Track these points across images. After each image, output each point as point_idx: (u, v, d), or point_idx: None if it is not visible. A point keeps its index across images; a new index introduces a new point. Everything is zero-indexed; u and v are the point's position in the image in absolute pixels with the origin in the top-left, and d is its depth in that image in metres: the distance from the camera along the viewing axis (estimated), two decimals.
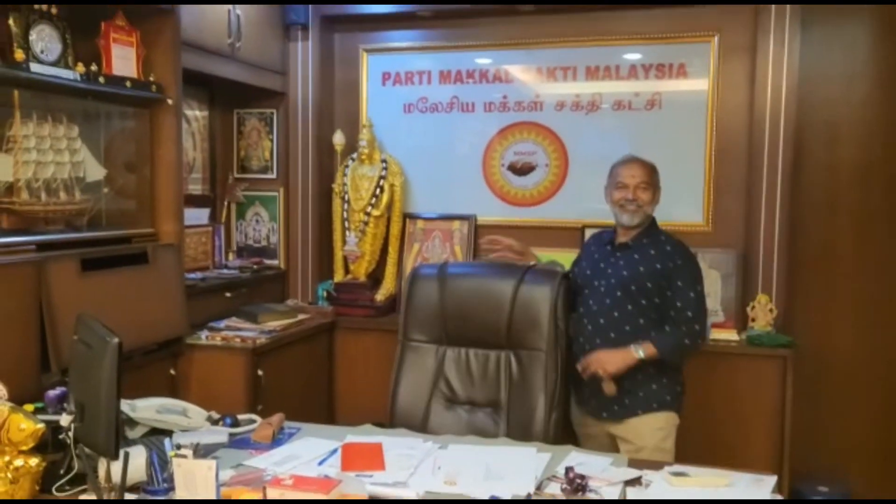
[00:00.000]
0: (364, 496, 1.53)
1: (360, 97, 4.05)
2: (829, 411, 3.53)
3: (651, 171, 2.77)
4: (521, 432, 2.46)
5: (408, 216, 3.96)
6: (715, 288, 3.51)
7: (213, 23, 3.32)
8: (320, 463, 1.98)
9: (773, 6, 3.36)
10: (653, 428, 2.65)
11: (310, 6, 3.84)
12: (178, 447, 1.71)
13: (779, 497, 1.85)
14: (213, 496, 1.57)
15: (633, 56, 3.69)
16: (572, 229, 3.77)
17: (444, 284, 2.70)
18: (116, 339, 1.74)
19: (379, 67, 4.03)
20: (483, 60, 3.88)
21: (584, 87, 3.75)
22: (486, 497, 1.77)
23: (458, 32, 3.89)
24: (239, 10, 3.46)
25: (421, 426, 2.51)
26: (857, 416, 3.51)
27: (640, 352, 2.56)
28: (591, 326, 2.70)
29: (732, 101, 3.55)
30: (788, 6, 3.34)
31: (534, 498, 1.59)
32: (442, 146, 3.95)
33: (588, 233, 3.73)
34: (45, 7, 2.48)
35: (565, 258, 3.70)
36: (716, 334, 3.33)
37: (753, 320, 3.37)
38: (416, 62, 3.97)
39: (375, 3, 3.79)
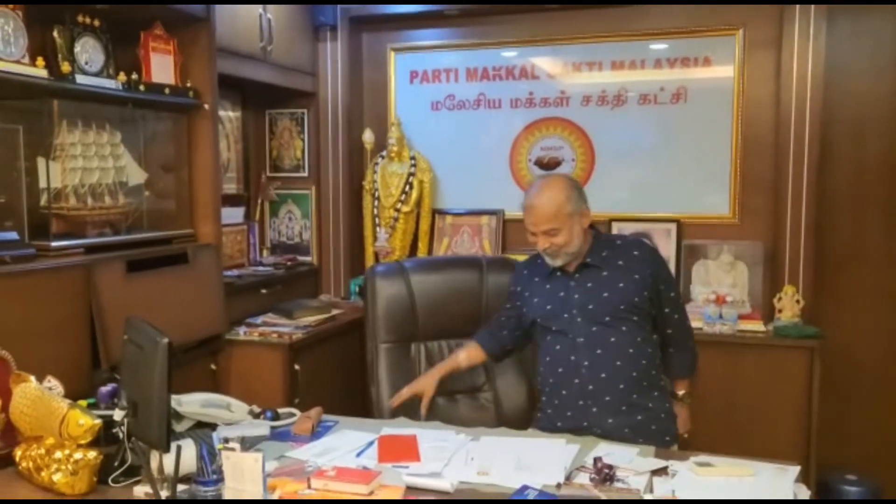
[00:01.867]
0: (402, 487, 1.61)
1: (388, 96, 4.14)
2: (857, 404, 3.56)
3: (557, 207, 2.31)
4: (512, 415, 2.62)
5: (437, 212, 4.04)
6: (742, 279, 3.56)
7: (245, 28, 3.42)
8: (358, 454, 2.07)
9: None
10: None
11: (338, 7, 3.93)
12: (226, 440, 1.81)
13: (803, 487, 1.91)
14: (259, 487, 1.67)
15: (658, 50, 3.73)
16: (599, 223, 3.79)
17: (408, 281, 2.79)
18: (166, 340, 1.83)
19: (406, 66, 4.11)
20: (509, 57, 3.94)
21: (610, 81, 3.80)
22: (517, 486, 1.84)
23: (483, 30, 3.96)
24: (270, 14, 3.55)
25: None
26: (887, 411, 3.54)
27: (686, 396, 2.56)
28: (581, 365, 2.37)
29: (758, 95, 3.58)
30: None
31: (562, 488, 1.66)
32: (469, 142, 4.03)
33: (615, 227, 3.80)
34: (87, 20, 2.59)
35: None
36: (742, 325, 3.37)
37: (780, 311, 3.40)
38: (442, 60, 4.04)
39: (402, 2, 3.87)
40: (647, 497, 1.77)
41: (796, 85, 3.42)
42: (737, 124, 3.62)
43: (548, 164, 3.93)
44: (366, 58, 4.16)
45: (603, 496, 1.55)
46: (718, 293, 3.39)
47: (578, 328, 2.37)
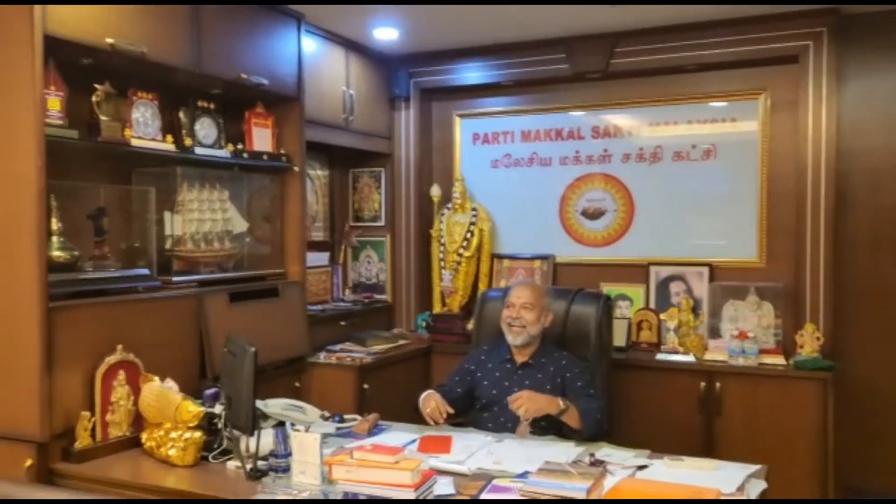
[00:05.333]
0: (419, 461, 2.12)
1: (453, 155, 4.74)
2: (878, 433, 3.81)
3: (537, 295, 2.98)
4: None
5: (495, 256, 4.57)
6: (768, 318, 3.89)
7: (330, 102, 4.10)
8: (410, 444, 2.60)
9: (811, 65, 3.77)
10: None
11: (411, 81, 4.59)
12: (293, 425, 2.38)
13: (762, 482, 2.29)
14: (317, 458, 2.21)
15: (689, 112, 4.17)
16: (638, 266, 4.26)
17: None
18: (253, 349, 2.43)
19: (470, 129, 4.71)
20: (558, 120, 4.47)
21: (647, 141, 4.27)
22: (520, 471, 2.31)
23: (536, 97, 4.52)
24: (352, 90, 4.23)
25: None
26: None
27: (564, 404, 2.67)
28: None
29: (780, 150, 3.97)
30: (825, 64, 3.74)
31: (546, 464, 2.13)
32: (524, 195, 4.56)
33: (653, 270, 4.23)
34: (205, 103, 3.30)
35: (633, 292, 4.22)
36: (765, 359, 3.71)
37: (801, 347, 3.72)
38: (501, 124, 4.62)
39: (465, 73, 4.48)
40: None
41: (812, 141, 3.79)
42: (762, 177, 4.01)
43: (592, 214, 4.40)
44: (434, 123, 4.79)
45: (573, 470, 2.01)
46: (741, 330, 3.74)
47: (510, 416, 2.78)
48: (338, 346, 4.01)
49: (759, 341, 3.75)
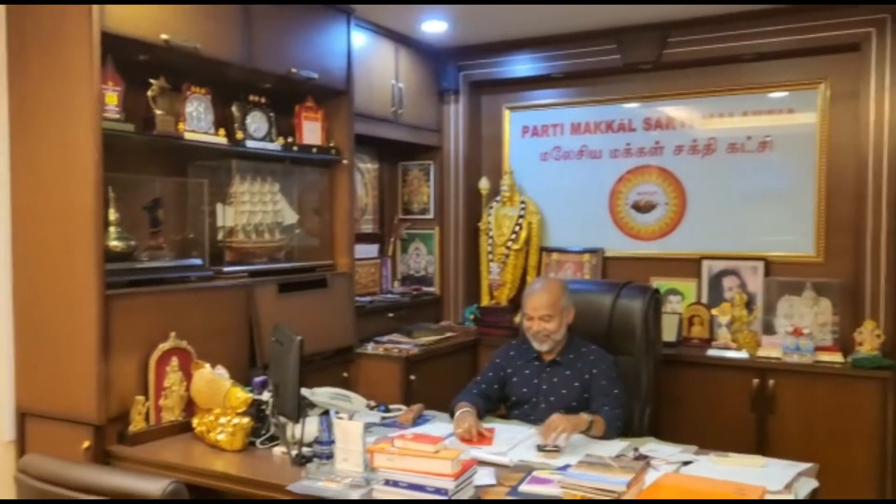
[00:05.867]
0: (460, 451, 2.13)
1: (502, 148, 4.73)
2: None
3: (554, 300, 2.88)
4: None
5: (544, 249, 4.55)
6: (825, 315, 3.78)
7: (379, 95, 4.13)
8: (446, 438, 2.61)
9: (873, 53, 3.64)
10: None
11: (460, 74, 4.59)
12: (338, 413, 2.42)
13: (812, 480, 2.23)
14: (360, 446, 2.24)
15: (745, 103, 4.07)
16: (690, 260, 4.19)
17: None
18: (299, 338, 2.47)
19: (519, 122, 4.69)
20: (608, 112, 4.42)
21: (701, 132, 4.19)
22: (561, 465, 2.30)
23: (585, 89, 4.47)
24: (401, 83, 4.26)
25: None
26: None
27: (589, 417, 2.60)
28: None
29: (839, 142, 3.85)
30: (888, 52, 3.60)
31: (587, 457, 2.11)
32: (573, 188, 4.52)
33: (705, 265, 4.15)
34: (256, 98, 3.36)
35: (684, 286, 4.16)
36: (821, 356, 3.60)
37: (860, 344, 3.60)
38: (550, 116, 4.59)
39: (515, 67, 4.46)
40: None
41: (874, 132, 3.66)
42: (820, 169, 3.89)
43: (644, 208, 4.34)
44: (484, 116, 4.78)
45: (614, 464, 2.00)
46: (797, 326, 3.65)
47: (540, 414, 2.81)
48: (385, 338, 4.05)
49: (816, 338, 3.65)
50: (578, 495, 1.89)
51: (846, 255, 3.83)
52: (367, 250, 4.48)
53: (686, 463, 2.37)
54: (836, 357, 3.61)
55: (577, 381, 2.89)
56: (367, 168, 4.61)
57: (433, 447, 2.10)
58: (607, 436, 2.64)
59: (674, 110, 4.26)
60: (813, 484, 2.21)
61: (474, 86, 4.67)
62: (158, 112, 2.87)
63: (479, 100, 4.77)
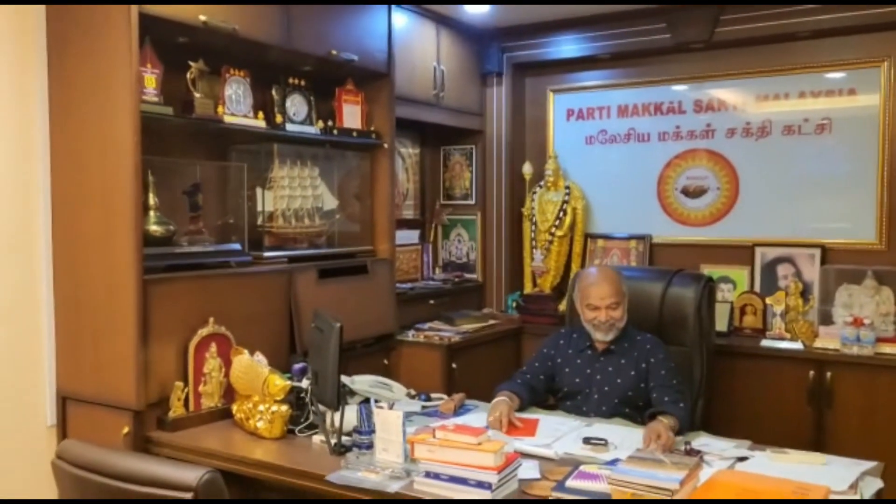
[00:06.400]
0: (504, 443, 2.05)
1: (546, 132, 4.61)
2: None
3: (618, 287, 2.81)
4: None
5: (589, 236, 4.43)
6: (887, 304, 3.60)
7: (421, 78, 4.05)
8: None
9: None
10: None
11: (504, 56, 4.48)
12: (378, 402, 2.36)
13: (877, 480, 2.10)
14: (400, 436, 2.18)
15: (802, 83, 3.89)
16: (742, 247, 4.03)
17: None
18: (339, 324, 2.41)
19: (564, 105, 4.56)
20: (656, 94, 4.27)
21: (755, 114, 4.02)
22: (610, 458, 2.21)
23: (632, 71, 4.33)
24: (443, 66, 4.17)
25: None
26: None
27: (670, 422, 2.46)
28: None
29: None
30: None
31: (639, 452, 2.01)
32: (620, 173, 4.38)
33: (758, 252, 3.99)
34: (296, 80, 3.31)
35: (736, 274, 4.01)
36: (882, 348, 3.43)
37: None
38: (596, 99, 4.46)
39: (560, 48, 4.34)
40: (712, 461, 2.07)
41: None
42: (882, 152, 3.70)
43: (693, 192, 4.19)
44: (527, 98, 4.66)
45: (666, 460, 1.90)
46: (856, 316, 3.48)
47: (593, 405, 2.77)
48: (426, 325, 3.99)
49: (877, 329, 3.48)
50: (628, 494, 1.80)
51: None
52: (408, 236, 4.41)
53: (741, 459, 2.27)
54: None
55: (633, 370, 2.78)
56: (409, 153, 4.54)
57: (476, 439, 2.02)
58: (679, 434, 2.52)
59: (726, 91, 4.09)
60: (878, 484, 2.09)
61: (518, 68, 4.56)
62: (197, 95, 2.84)
63: (523, 82, 4.65)
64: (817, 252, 3.86)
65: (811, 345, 3.60)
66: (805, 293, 3.82)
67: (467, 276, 4.60)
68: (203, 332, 2.68)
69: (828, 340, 3.58)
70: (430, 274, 4.53)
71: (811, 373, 3.48)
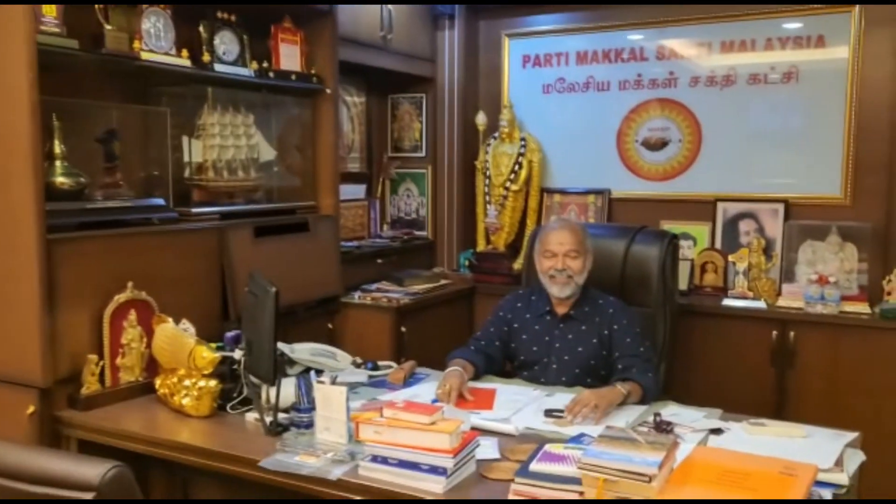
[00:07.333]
0: (461, 422, 1.83)
1: (501, 80, 4.33)
2: None
3: (581, 238, 2.61)
4: None
5: (545, 190, 4.20)
6: (851, 261, 3.48)
7: (367, 18, 3.72)
8: (434, 400, 2.32)
9: None
10: None
11: None
12: (319, 373, 2.11)
13: (859, 452, 1.95)
14: (343, 414, 1.94)
15: (768, 29, 3.69)
16: (705, 203, 3.86)
17: None
18: (274, 289, 2.14)
19: (519, 51, 4.28)
20: (616, 40, 4.02)
21: (719, 62, 3.81)
22: (574, 433, 2.01)
23: (591, 14, 4.07)
24: (390, 5, 3.84)
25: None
26: None
27: (625, 388, 2.30)
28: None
29: (874, 75, 3.49)
30: None
31: (607, 430, 1.81)
32: (578, 124, 4.15)
33: (720, 207, 3.83)
34: (226, 15, 2.96)
35: (697, 230, 3.85)
36: (847, 306, 3.32)
37: (889, 294, 3.32)
38: (553, 45, 4.19)
39: None
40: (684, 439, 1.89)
41: None
42: (850, 104, 3.54)
43: (655, 145, 3.99)
44: (481, 44, 4.37)
45: (640, 439, 1.70)
46: (821, 273, 3.35)
47: (552, 375, 2.58)
48: (374, 286, 3.73)
49: (841, 286, 3.35)
50: (600, 480, 1.59)
51: (876, 197, 3.51)
52: (354, 191, 4.12)
53: (714, 431, 2.10)
54: (863, 307, 3.32)
55: (595, 338, 2.59)
56: (354, 101, 4.22)
57: (428, 418, 1.80)
58: (645, 403, 2.35)
59: (689, 38, 3.86)
60: (860, 456, 1.94)
61: (471, 10, 4.25)
62: (108, 27, 2.48)
63: (477, 26, 4.35)
64: (780, 207, 3.71)
65: (774, 303, 3.47)
66: (768, 250, 3.67)
67: (417, 233, 4.34)
68: (120, 297, 2.38)
69: (791, 299, 3.45)
70: (377, 231, 4.26)
71: (774, 333, 3.36)
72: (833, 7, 3.53)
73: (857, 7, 3.48)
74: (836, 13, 3.54)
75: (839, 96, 3.56)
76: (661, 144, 3.97)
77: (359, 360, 2.77)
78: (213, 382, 2.22)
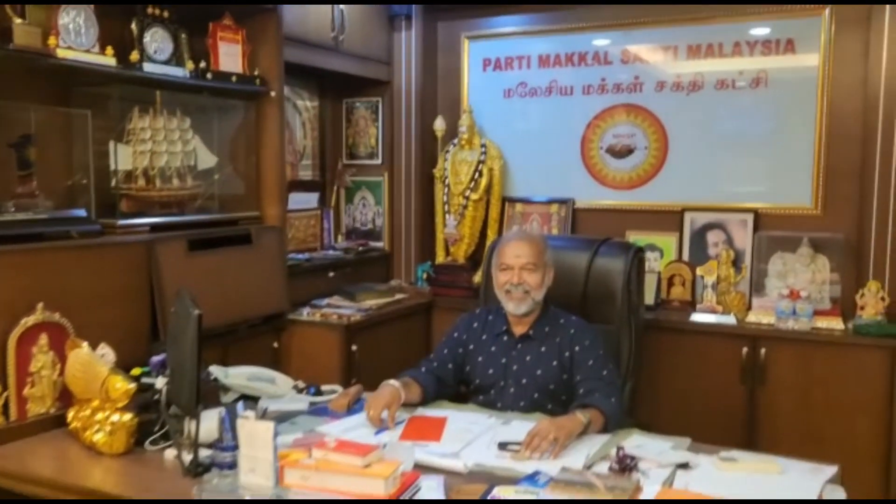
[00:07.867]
0: (399, 463, 1.63)
1: (461, 83, 4.15)
2: None
3: (539, 250, 2.44)
4: None
5: (506, 199, 4.02)
6: (822, 273, 3.34)
7: (316, 18, 3.51)
8: (377, 433, 2.11)
9: None
10: None
11: None
12: (250, 400, 1.88)
13: (839, 489, 1.79)
14: (270, 454, 1.73)
15: (736, 33, 3.55)
16: (671, 212, 3.71)
17: None
18: (198, 311, 1.92)
19: (480, 54, 4.10)
20: (580, 43, 3.86)
21: (685, 67, 3.66)
22: (529, 472, 1.82)
23: (555, 16, 3.90)
24: (342, 4, 3.63)
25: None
26: None
27: (585, 417, 2.11)
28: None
29: (845, 79, 3.36)
30: None
31: (563, 473, 1.63)
32: (541, 130, 3.98)
33: (688, 217, 3.68)
34: (157, 11, 2.74)
35: (663, 242, 3.69)
36: (819, 322, 3.17)
37: (862, 308, 3.18)
38: (515, 47, 4.01)
39: None
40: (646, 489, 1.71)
41: (886, 68, 3.17)
42: (821, 110, 3.40)
43: (620, 152, 3.83)
44: (440, 46, 4.18)
45: (598, 484, 1.51)
46: (792, 288, 3.21)
47: (508, 400, 2.39)
48: (324, 301, 3.51)
49: (813, 300, 3.21)
50: None
51: (848, 207, 3.38)
52: (306, 200, 3.91)
53: (682, 465, 1.92)
54: (836, 323, 3.18)
55: (555, 360, 2.40)
56: (306, 105, 4.01)
57: (362, 460, 1.60)
58: (611, 430, 2.17)
59: (655, 41, 3.70)
60: (841, 494, 1.77)
61: (430, 11, 4.06)
62: (18, 21, 2.25)
63: (435, 27, 4.16)
64: (750, 217, 3.56)
65: (744, 318, 3.32)
66: (737, 262, 3.53)
67: (373, 244, 4.13)
68: (28, 321, 2.15)
69: (762, 314, 3.29)
70: (330, 242, 4.04)
71: (744, 349, 3.20)
72: (804, 8, 3.40)
73: (827, 8, 3.35)
74: (806, 17, 3.41)
75: (809, 102, 3.43)
76: (627, 152, 3.81)
77: (301, 385, 2.55)
78: (127, 416, 1.99)
